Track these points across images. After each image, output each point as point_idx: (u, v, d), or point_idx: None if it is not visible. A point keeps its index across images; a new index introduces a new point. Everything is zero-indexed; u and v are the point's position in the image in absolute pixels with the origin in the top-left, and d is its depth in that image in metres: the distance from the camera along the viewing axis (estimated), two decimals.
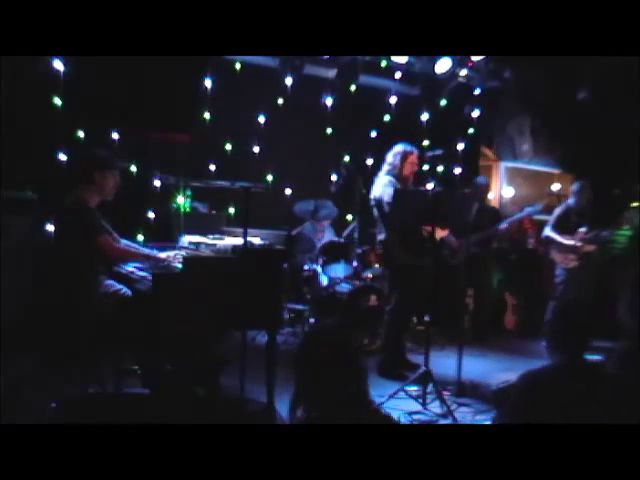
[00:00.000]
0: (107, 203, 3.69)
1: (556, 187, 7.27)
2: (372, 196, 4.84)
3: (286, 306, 5.74)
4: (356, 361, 1.85)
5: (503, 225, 6.10)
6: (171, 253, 3.73)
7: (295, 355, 1.88)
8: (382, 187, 4.70)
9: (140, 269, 3.60)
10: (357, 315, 5.43)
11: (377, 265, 6.09)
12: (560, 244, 5.96)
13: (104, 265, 3.61)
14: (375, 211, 4.83)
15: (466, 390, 4.37)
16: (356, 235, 6.04)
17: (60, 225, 3.72)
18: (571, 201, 6.03)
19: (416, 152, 4.83)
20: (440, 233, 4.57)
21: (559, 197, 6.51)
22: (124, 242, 3.81)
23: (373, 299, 5.55)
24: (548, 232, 6.06)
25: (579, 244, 5.83)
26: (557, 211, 6.11)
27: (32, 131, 4.70)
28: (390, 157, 4.81)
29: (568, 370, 2.37)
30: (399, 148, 4.79)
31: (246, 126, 5.93)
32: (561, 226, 5.99)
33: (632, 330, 2.66)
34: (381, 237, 4.85)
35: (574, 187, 6.06)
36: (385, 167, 4.83)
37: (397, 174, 4.73)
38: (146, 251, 3.71)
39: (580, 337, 2.39)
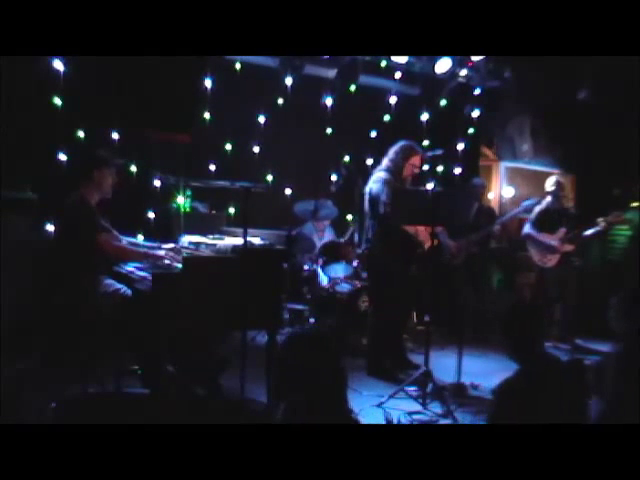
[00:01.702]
0: (107, 202, 3.70)
1: None
2: (367, 190, 4.67)
3: (286, 306, 5.73)
4: (336, 364, 1.86)
5: (500, 221, 6.09)
6: (169, 245, 3.75)
7: (278, 355, 1.89)
8: (379, 184, 4.52)
9: (140, 269, 3.60)
10: (356, 315, 5.43)
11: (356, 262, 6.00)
12: (539, 242, 5.92)
13: (104, 264, 3.61)
14: (367, 206, 4.68)
15: (466, 390, 4.37)
16: (356, 237, 6.03)
17: (61, 223, 3.73)
18: (549, 199, 6.01)
19: (421, 154, 4.65)
20: (428, 242, 4.49)
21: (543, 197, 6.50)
22: (126, 239, 3.82)
23: None
24: (528, 230, 6.03)
25: (559, 243, 5.81)
26: (536, 209, 6.07)
27: (32, 131, 4.70)
28: (392, 153, 4.63)
29: (533, 373, 2.35)
30: (403, 145, 4.61)
31: (246, 126, 5.93)
32: (540, 224, 5.96)
33: (622, 333, 2.65)
34: (369, 236, 4.69)
35: (549, 185, 6.02)
36: (385, 162, 4.66)
37: (395, 172, 4.56)
38: (144, 250, 3.71)
39: (532, 338, 2.38)
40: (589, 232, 5.72)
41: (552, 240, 5.84)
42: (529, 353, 2.38)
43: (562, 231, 5.80)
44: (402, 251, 4.57)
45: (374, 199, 4.57)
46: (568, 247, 5.79)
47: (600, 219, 5.67)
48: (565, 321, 5.94)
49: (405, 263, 4.64)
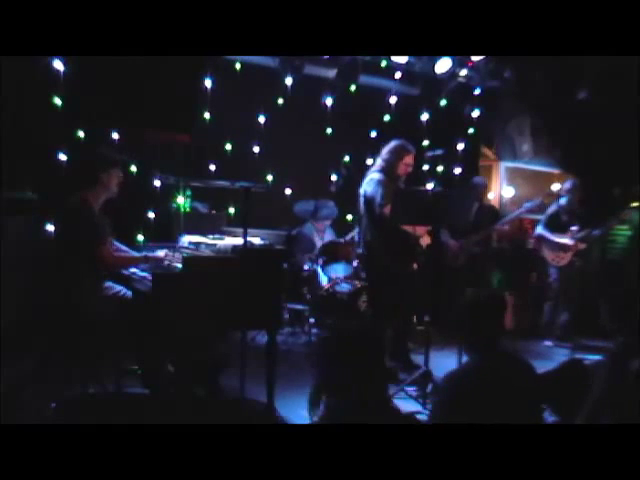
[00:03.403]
0: (108, 203, 3.69)
1: (556, 187, 7.27)
2: (362, 192, 4.67)
3: (286, 306, 5.73)
4: (384, 362, 1.87)
5: (502, 223, 6.11)
6: (170, 252, 3.73)
7: (322, 350, 1.90)
8: (374, 185, 4.52)
9: (140, 269, 3.60)
10: (357, 315, 5.43)
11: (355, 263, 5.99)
12: (552, 242, 5.99)
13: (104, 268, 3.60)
14: (362, 208, 4.68)
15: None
16: (356, 237, 6.03)
17: (61, 226, 3.71)
18: (563, 200, 6.07)
19: (413, 152, 4.67)
20: (425, 240, 4.49)
21: (558, 197, 6.52)
22: (120, 246, 3.79)
23: None
24: (540, 230, 6.10)
25: (571, 242, 5.87)
26: (549, 210, 6.16)
27: (32, 131, 4.70)
28: (385, 153, 4.63)
29: (484, 366, 2.32)
30: (396, 145, 4.62)
31: (246, 126, 5.93)
32: (552, 224, 6.03)
33: (617, 331, 2.66)
34: (367, 238, 4.68)
35: (566, 186, 6.10)
36: (378, 162, 4.66)
37: (390, 172, 4.56)
38: (143, 254, 3.70)
39: (487, 332, 2.35)
40: (598, 232, 5.81)
41: (565, 239, 5.90)
42: (486, 346, 2.35)
43: (573, 229, 5.86)
44: (401, 251, 4.57)
45: (369, 200, 4.57)
46: (581, 245, 5.86)
47: (610, 218, 5.75)
48: (567, 320, 5.96)
49: (405, 263, 4.64)
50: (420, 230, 4.58)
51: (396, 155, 4.60)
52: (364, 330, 1.97)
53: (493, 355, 2.33)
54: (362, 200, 4.69)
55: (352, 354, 1.83)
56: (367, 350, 1.85)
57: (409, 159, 4.63)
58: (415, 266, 4.85)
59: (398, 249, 4.55)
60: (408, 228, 4.59)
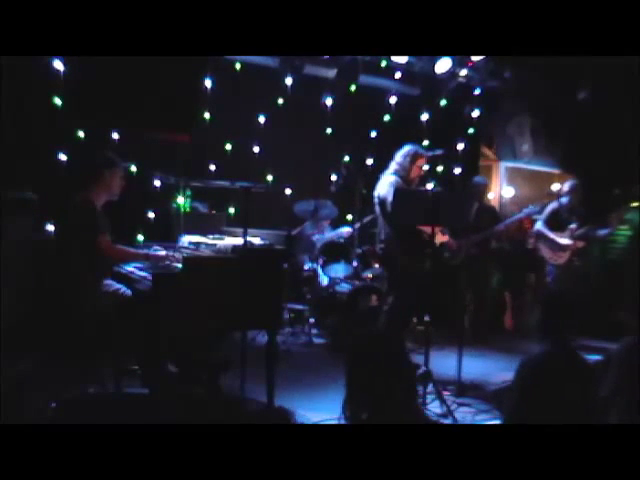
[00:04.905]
0: (108, 203, 3.70)
1: (556, 187, 7.27)
2: (376, 194, 4.79)
3: (286, 306, 5.74)
4: (409, 368, 1.89)
5: (501, 226, 6.12)
6: (170, 253, 3.74)
7: (349, 356, 1.92)
8: (387, 186, 4.64)
9: (140, 269, 3.61)
10: (357, 315, 5.44)
11: (377, 265, 6.09)
12: (551, 240, 5.99)
13: (105, 265, 3.61)
14: (377, 209, 4.80)
15: (466, 390, 4.38)
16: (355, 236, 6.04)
17: (63, 224, 3.73)
18: (563, 199, 6.06)
19: (425, 156, 4.82)
20: (440, 238, 4.56)
21: (559, 197, 6.52)
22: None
23: (373, 299, 5.55)
24: (539, 227, 6.09)
25: (570, 242, 5.87)
26: (549, 208, 6.14)
27: (32, 131, 4.70)
28: (399, 157, 4.77)
29: (559, 356, 2.40)
30: (410, 149, 4.76)
31: (246, 126, 5.93)
32: (552, 223, 6.03)
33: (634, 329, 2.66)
34: (382, 237, 4.84)
35: (567, 186, 6.10)
36: (393, 166, 4.79)
37: (404, 175, 4.70)
38: (144, 251, 3.71)
39: (564, 323, 2.45)
40: (602, 232, 5.81)
41: (563, 237, 5.90)
42: (554, 341, 2.44)
43: (572, 227, 5.86)
44: (417, 249, 4.66)
45: (383, 202, 4.68)
46: (579, 244, 5.87)
47: (612, 215, 5.74)
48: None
49: (420, 260, 4.71)
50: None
51: (410, 158, 4.74)
52: (386, 335, 1.99)
53: (558, 350, 2.39)
54: (377, 202, 4.80)
55: (381, 358, 1.85)
56: (394, 353, 1.87)
57: (422, 162, 4.80)
58: (428, 265, 4.91)
59: (413, 248, 4.64)
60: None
